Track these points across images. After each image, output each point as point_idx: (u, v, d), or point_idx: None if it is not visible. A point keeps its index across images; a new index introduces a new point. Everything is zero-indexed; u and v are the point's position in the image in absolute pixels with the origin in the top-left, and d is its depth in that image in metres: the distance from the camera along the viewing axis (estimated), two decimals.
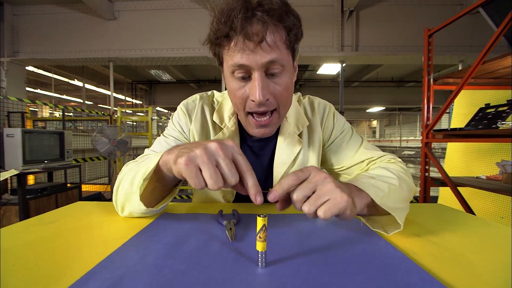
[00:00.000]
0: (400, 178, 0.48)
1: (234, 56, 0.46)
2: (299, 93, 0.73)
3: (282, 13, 0.44)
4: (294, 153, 0.63)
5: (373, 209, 0.43)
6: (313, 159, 0.66)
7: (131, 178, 0.45)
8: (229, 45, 0.46)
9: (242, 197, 0.66)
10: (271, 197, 0.35)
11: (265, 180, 0.67)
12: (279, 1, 0.45)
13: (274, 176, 0.65)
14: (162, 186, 0.47)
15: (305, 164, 0.66)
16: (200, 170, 0.33)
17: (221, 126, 0.63)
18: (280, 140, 0.63)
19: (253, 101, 0.48)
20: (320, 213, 0.34)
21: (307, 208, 0.34)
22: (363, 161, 0.63)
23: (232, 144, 0.36)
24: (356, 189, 0.40)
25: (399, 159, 0.60)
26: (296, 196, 0.35)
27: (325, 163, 0.71)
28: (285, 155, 0.63)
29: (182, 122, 0.65)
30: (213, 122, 0.64)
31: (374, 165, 0.60)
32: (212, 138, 0.64)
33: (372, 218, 0.45)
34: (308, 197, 0.35)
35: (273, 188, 0.36)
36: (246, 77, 0.48)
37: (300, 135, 0.65)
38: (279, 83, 0.49)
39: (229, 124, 0.63)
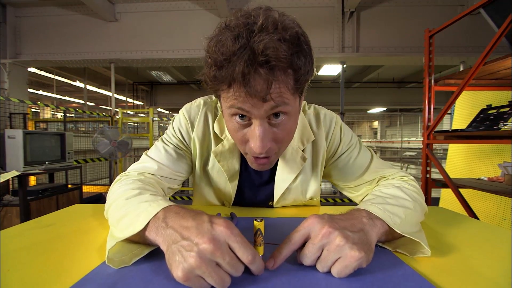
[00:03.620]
0: (414, 200, 0.46)
1: (234, 102, 0.41)
2: (304, 101, 0.64)
3: (290, 57, 0.38)
4: (296, 169, 0.60)
5: (390, 235, 0.40)
6: (316, 176, 0.64)
7: (116, 220, 0.40)
8: (228, 90, 0.41)
9: (240, 201, 0.66)
10: (270, 265, 0.33)
11: (266, 195, 0.65)
12: (289, 40, 0.38)
13: (275, 193, 0.62)
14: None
15: (307, 180, 0.63)
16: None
17: (221, 138, 0.60)
18: (282, 156, 0.59)
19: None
20: (335, 274, 0.32)
21: (320, 270, 0.33)
22: (373, 179, 0.60)
23: (224, 230, 0.31)
24: (369, 218, 0.38)
25: (412, 177, 0.57)
26: (305, 262, 0.34)
27: (329, 177, 0.68)
28: (287, 171, 0.61)
29: (183, 129, 0.62)
30: (215, 132, 0.61)
31: (385, 181, 0.57)
32: (213, 148, 0.61)
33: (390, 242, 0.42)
34: (319, 256, 0.33)
35: (273, 256, 0.34)
36: (246, 121, 0.44)
37: (304, 150, 0.61)
38: (282, 129, 0.45)
39: (229, 136, 0.58)
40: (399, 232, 0.38)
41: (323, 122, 0.63)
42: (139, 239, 0.36)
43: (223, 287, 0.29)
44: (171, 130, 0.63)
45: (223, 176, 0.62)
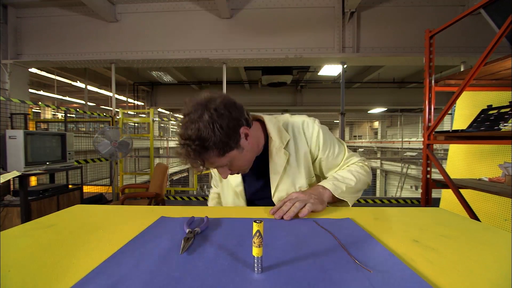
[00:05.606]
0: (357, 179, 0.74)
1: None
2: (287, 114, 0.85)
3: (201, 154, 0.58)
4: (283, 164, 0.76)
5: (335, 198, 0.69)
6: (300, 170, 0.78)
7: None
8: None
9: (249, 195, 0.81)
10: (276, 215, 0.59)
11: (262, 188, 0.80)
12: (196, 149, 0.57)
13: (271, 185, 0.77)
14: None
15: (294, 173, 0.78)
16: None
17: None
18: (270, 156, 0.76)
19: None
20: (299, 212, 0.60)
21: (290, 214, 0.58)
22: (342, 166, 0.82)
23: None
24: (323, 188, 0.70)
25: (366, 163, 0.82)
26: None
27: (319, 172, 0.83)
28: (277, 167, 0.76)
29: None
30: None
31: (345, 167, 0.80)
32: None
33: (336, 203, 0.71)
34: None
35: (288, 214, 0.57)
36: None
37: (287, 148, 0.77)
38: (236, 164, 0.66)
39: None
40: (336, 196, 0.68)
41: (306, 128, 0.79)
42: None
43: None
44: None
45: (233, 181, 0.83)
